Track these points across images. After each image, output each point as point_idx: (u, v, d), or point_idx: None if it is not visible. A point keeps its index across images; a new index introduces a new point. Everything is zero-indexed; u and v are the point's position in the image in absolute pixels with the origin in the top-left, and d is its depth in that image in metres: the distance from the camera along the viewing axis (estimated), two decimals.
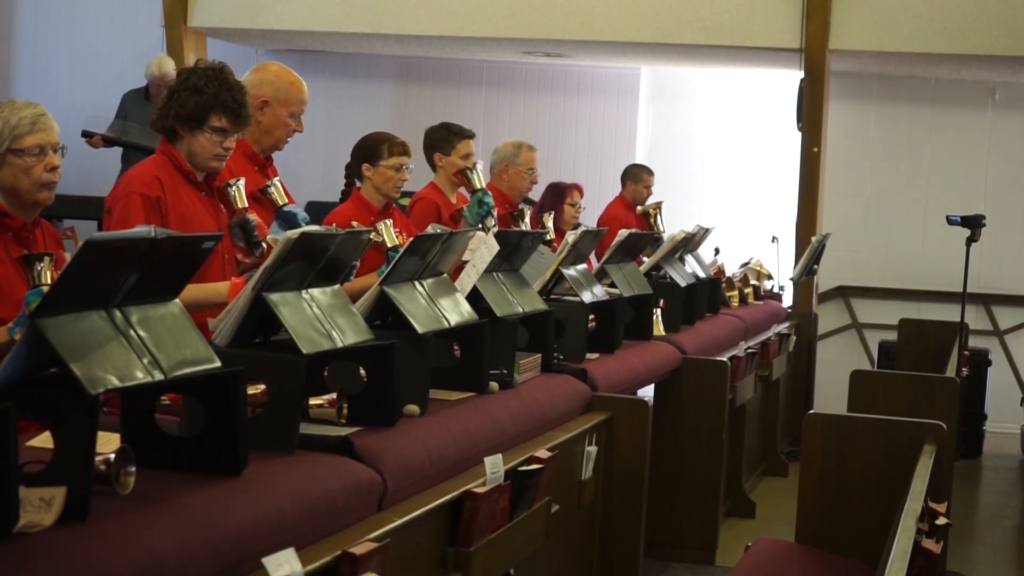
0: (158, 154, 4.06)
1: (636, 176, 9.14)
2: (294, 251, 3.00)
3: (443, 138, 6.17)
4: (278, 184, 4.37)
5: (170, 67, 9.53)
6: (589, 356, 5.06)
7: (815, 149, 9.56)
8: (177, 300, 2.66)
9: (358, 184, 5.37)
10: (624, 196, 9.09)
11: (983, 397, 9.91)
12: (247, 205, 4.10)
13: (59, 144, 3.53)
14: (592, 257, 6.01)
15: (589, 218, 9.53)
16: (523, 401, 4.10)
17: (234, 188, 4.10)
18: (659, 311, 6.26)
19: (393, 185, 5.28)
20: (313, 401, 3.19)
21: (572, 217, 7.91)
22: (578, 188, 8.09)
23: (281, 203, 4.29)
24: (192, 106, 3.95)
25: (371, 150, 5.28)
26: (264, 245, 4.09)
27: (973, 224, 7.53)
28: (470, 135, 6.24)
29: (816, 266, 9.15)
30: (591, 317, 5.21)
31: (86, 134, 9.62)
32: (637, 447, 4.79)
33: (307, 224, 4.23)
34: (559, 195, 7.93)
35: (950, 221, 7.67)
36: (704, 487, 6.14)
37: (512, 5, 9.63)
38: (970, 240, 7.54)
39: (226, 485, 2.62)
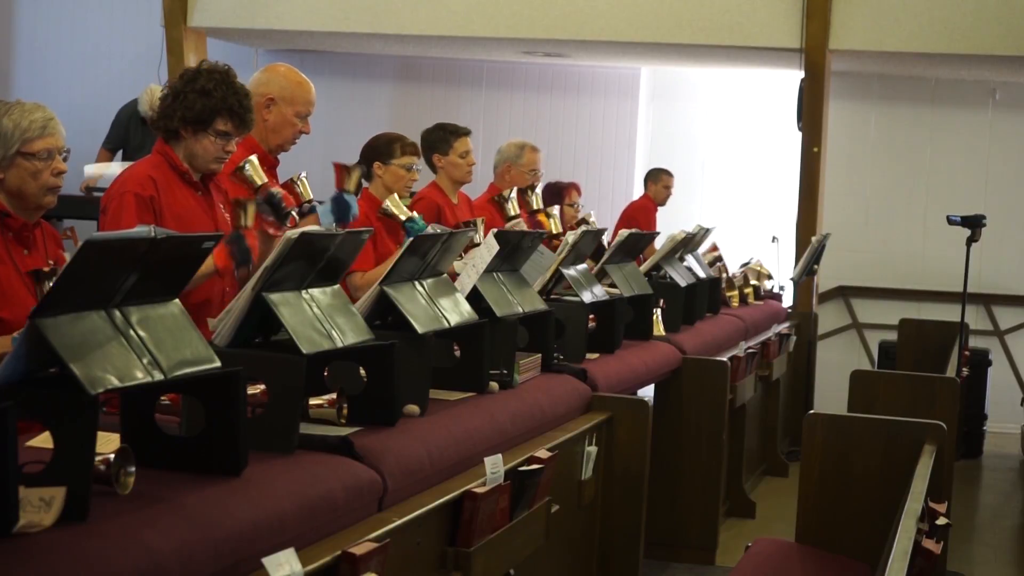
0: (154, 154, 4.06)
1: (655, 178, 10.09)
2: (294, 251, 3.00)
3: (439, 139, 6.18)
4: (304, 179, 4.46)
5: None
6: (589, 356, 5.06)
7: (815, 149, 9.56)
8: (177, 300, 2.66)
9: (366, 184, 5.38)
10: (648, 195, 10.04)
11: (983, 397, 9.91)
12: (266, 179, 4.11)
13: (65, 148, 3.52)
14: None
15: (611, 215, 9.69)
16: (523, 401, 4.10)
17: (248, 166, 4.09)
18: (659, 311, 6.26)
19: (403, 184, 5.31)
20: (313, 401, 3.19)
21: (571, 217, 7.92)
22: (576, 188, 8.13)
23: (307, 196, 4.35)
24: (199, 109, 3.94)
25: (383, 149, 5.32)
26: (292, 215, 4.10)
27: (973, 224, 7.53)
28: (466, 132, 6.24)
29: (816, 266, 9.15)
30: (591, 317, 5.21)
31: (89, 190, 9.69)
32: (637, 447, 4.79)
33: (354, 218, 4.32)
34: (557, 195, 7.96)
35: (950, 221, 7.67)
36: (704, 487, 6.14)
37: (512, 5, 9.63)
38: (970, 240, 7.54)
39: (226, 485, 2.62)
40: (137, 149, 9.64)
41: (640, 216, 9.54)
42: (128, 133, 9.81)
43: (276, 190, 4.10)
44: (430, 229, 3.95)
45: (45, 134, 3.44)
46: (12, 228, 3.48)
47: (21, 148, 3.41)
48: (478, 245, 4.93)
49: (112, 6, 11.88)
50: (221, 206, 4.15)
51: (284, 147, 4.63)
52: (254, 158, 4.16)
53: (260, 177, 4.12)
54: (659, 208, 10.03)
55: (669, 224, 8.76)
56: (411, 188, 5.40)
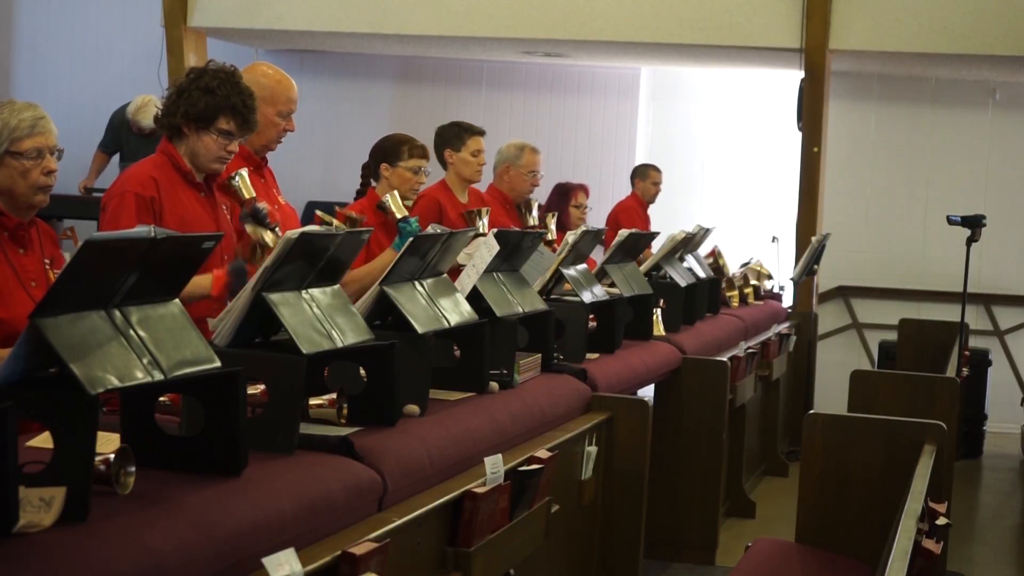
0: (158, 153, 4.05)
1: (643, 174, 9.58)
2: (294, 251, 3.00)
3: (454, 134, 6.18)
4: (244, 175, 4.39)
5: (145, 118, 9.34)
6: (589, 356, 5.06)
7: (815, 149, 9.56)
8: (177, 300, 2.66)
9: (374, 184, 5.37)
10: (636, 194, 9.50)
11: (983, 397, 9.91)
12: (255, 194, 4.09)
13: (57, 147, 3.51)
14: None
15: (598, 216, 9.59)
16: (523, 401, 4.10)
17: (238, 179, 4.09)
18: (659, 311, 6.26)
19: (410, 187, 5.27)
20: (313, 401, 3.19)
21: (577, 219, 7.93)
22: (584, 189, 8.13)
23: (247, 195, 4.28)
24: (203, 106, 3.94)
25: (391, 150, 5.28)
26: (278, 230, 4.07)
27: (973, 224, 7.53)
28: (480, 132, 6.24)
29: (816, 266, 9.15)
30: (591, 317, 5.21)
31: (88, 190, 9.71)
32: (637, 447, 4.79)
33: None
34: (564, 196, 7.97)
35: (950, 221, 7.67)
36: (704, 487, 6.14)
37: (512, 5, 9.63)
38: (970, 240, 7.54)
39: (226, 485, 2.62)
40: (133, 153, 9.66)
41: (623, 218, 9.00)
42: (122, 137, 9.81)
43: (262, 205, 4.06)
44: (430, 229, 3.93)
45: (34, 133, 3.43)
46: (7, 227, 3.47)
47: (9, 147, 3.41)
48: (484, 235, 4.92)
49: (112, 6, 11.88)
50: (224, 208, 4.14)
51: (269, 147, 4.58)
52: (244, 171, 4.13)
53: (248, 191, 4.09)
54: (649, 206, 9.55)
55: (669, 224, 8.75)
56: (417, 191, 5.37)
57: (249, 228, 4.01)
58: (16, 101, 3.48)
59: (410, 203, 5.32)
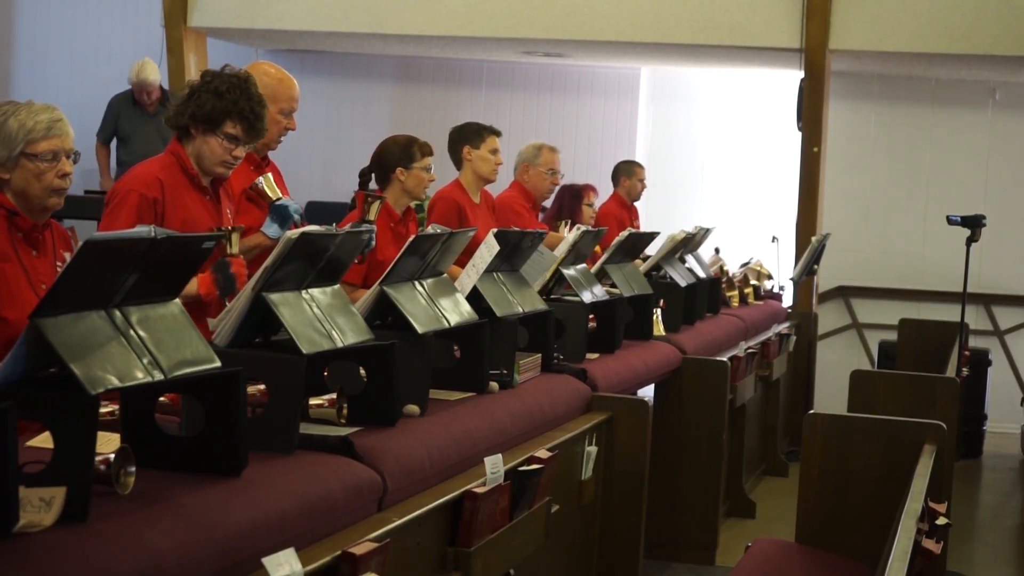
0: (166, 153, 4.05)
1: (628, 171, 9.06)
2: (294, 251, 3.00)
3: (473, 131, 6.20)
4: (269, 177, 4.35)
5: (149, 74, 9.48)
6: (589, 356, 5.06)
7: (815, 149, 9.56)
8: (177, 300, 2.66)
9: (376, 187, 5.33)
10: (618, 193, 9.03)
11: (983, 397, 9.91)
12: (280, 195, 4.11)
13: (73, 150, 3.51)
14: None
15: None
16: (523, 401, 4.10)
17: (263, 181, 4.10)
18: (659, 311, 6.26)
19: (424, 187, 5.25)
20: (313, 401, 3.19)
21: (590, 217, 7.90)
22: (593, 189, 8.09)
23: (273, 197, 4.26)
24: (210, 108, 3.94)
25: (403, 153, 5.20)
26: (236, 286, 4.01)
27: (973, 224, 7.52)
28: (498, 132, 6.27)
29: (816, 266, 9.15)
30: (591, 317, 5.21)
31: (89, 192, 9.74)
32: (637, 447, 4.79)
33: (299, 215, 4.21)
34: (576, 197, 7.93)
35: (950, 221, 7.66)
36: (704, 487, 6.14)
37: (512, 5, 9.63)
38: (970, 240, 7.54)
39: (226, 485, 2.62)
40: (128, 136, 9.68)
41: (612, 224, 7.97)
42: (119, 121, 9.82)
43: (227, 261, 3.88)
44: (430, 230, 3.93)
45: (50, 135, 3.43)
46: (21, 229, 3.47)
47: (25, 149, 3.40)
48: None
49: (112, 6, 11.88)
50: (229, 212, 4.14)
51: (270, 146, 4.56)
52: (270, 175, 4.16)
53: (273, 192, 4.14)
54: (635, 203, 8.99)
55: (669, 224, 8.74)
56: (427, 188, 5.34)
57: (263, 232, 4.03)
58: (34, 103, 3.47)
59: (426, 201, 5.30)
